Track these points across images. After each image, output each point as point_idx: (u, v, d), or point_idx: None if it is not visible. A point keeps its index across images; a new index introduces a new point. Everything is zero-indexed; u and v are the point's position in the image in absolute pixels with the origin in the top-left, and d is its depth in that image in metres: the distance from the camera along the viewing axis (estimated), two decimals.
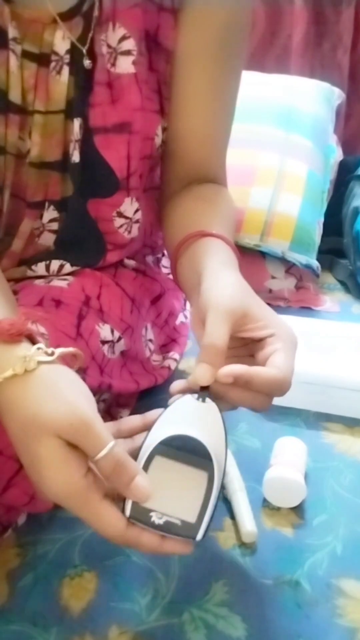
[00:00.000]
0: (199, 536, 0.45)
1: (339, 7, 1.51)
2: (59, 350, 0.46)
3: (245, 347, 0.53)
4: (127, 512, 0.45)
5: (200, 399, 0.49)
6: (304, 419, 0.80)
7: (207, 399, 0.49)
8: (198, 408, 0.49)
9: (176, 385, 0.52)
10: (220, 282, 0.53)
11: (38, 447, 0.42)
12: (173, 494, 0.45)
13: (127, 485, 0.44)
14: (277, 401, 0.55)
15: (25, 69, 0.62)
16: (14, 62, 0.60)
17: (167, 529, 0.45)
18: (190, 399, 0.50)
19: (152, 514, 0.45)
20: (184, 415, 0.49)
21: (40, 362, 0.44)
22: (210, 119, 0.70)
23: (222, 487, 0.45)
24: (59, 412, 0.42)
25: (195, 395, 0.49)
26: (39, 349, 0.45)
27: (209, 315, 0.50)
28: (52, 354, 0.45)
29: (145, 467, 0.46)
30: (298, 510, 0.65)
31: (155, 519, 0.45)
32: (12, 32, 0.60)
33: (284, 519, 0.64)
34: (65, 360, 0.48)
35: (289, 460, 0.67)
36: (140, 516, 0.45)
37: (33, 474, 0.44)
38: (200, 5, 0.63)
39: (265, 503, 0.65)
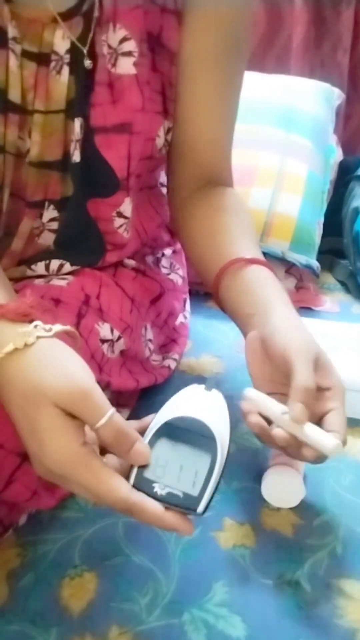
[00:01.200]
0: (200, 508, 0.45)
1: (339, 7, 1.51)
2: (56, 327, 0.48)
3: (284, 375, 0.56)
4: (131, 480, 0.46)
5: (207, 389, 0.52)
6: None
7: (214, 390, 0.52)
8: (205, 396, 0.52)
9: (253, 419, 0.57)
10: (292, 325, 0.59)
11: (38, 416, 0.44)
12: (176, 470, 0.47)
13: (127, 451, 0.46)
14: None
15: (24, 68, 0.62)
16: (13, 61, 0.61)
17: (169, 499, 0.46)
18: (198, 388, 0.52)
19: (155, 484, 0.46)
20: (191, 401, 0.51)
21: (39, 337, 0.46)
22: (216, 120, 0.70)
23: (224, 471, 0.48)
24: (59, 382, 0.44)
25: (202, 386, 0.52)
26: (36, 326, 0.47)
27: (297, 359, 0.55)
28: (50, 330, 0.47)
29: (151, 443, 0.48)
30: (298, 510, 0.65)
31: (158, 489, 0.46)
32: (11, 32, 0.60)
33: (284, 519, 0.64)
34: (64, 341, 0.50)
35: (287, 460, 0.67)
36: (144, 486, 0.46)
37: (32, 444, 0.45)
38: (204, 6, 0.64)
39: (265, 503, 0.65)
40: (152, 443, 0.48)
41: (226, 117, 0.72)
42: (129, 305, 0.73)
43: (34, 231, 0.69)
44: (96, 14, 0.61)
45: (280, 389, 0.58)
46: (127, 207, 0.69)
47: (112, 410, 0.45)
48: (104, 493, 0.44)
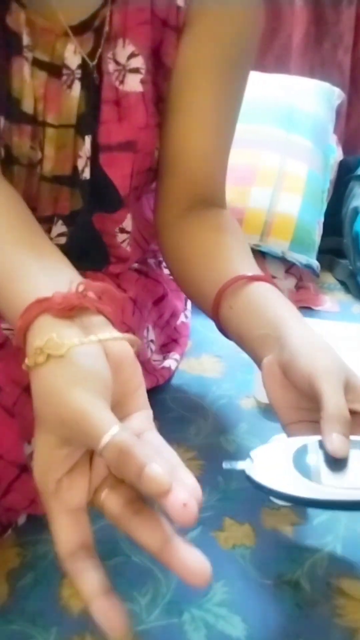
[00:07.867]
0: None
1: (339, 7, 1.51)
2: (102, 335, 0.43)
3: (311, 401, 0.51)
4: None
5: None
6: None
7: None
8: None
9: None
10: (316, 346, 0.53)
11: (36, 439, 0.41)
12: None
13: (137, 476, 0.36)
14: None
15: (35, 77, 0.61)
16: (26, 70, 0.59)
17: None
18: None
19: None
20: None
21: (50, 356, 0.41)
22: (212, 135, 0.68)
23: None
24: (50, 411, 0.40)
25: None
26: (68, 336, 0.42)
27: (325, 384, 0.49)
28: (82, 344, 0.41)
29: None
30: (298, 510, 0.65)
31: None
32: (25, 39, 0.59)
33: (284, 518, 0.64)
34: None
35: None
36: None
37: None
38: (205, 24, 0.62)
39: (266, 503, 0.65)
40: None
41: (222, 132, 0.69)
42: (131, 308, 0.73)
43: None
44: (106, 28, 0.60)
45: (308, 416, 0.52)
46: (128, 222, 0.69)
47: (114, 429, 0.37)
48: (54, 538, 0.42)
